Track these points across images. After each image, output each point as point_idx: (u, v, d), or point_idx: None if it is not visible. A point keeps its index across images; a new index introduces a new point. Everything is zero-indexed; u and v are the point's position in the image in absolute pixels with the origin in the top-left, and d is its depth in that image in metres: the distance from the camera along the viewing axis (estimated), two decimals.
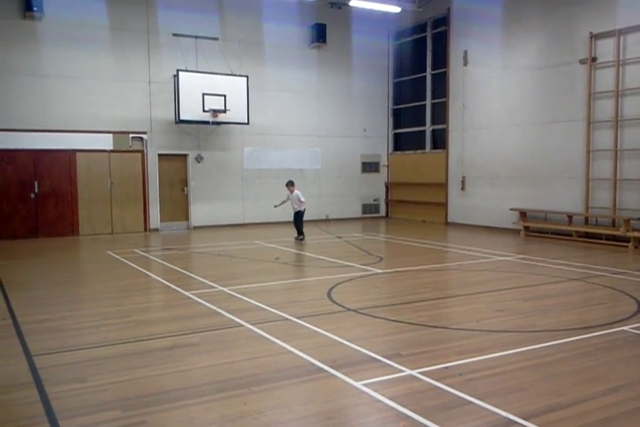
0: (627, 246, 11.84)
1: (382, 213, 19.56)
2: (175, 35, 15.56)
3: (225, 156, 16.59)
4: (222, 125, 16.09)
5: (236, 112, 15.63)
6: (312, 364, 4.85)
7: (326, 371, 4.67)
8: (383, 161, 19.42)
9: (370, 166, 19.18)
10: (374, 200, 19.39)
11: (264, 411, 3.94)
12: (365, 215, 19.09)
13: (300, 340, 5.54)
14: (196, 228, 16.15)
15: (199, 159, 16.15)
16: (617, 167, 12.55)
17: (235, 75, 15.87)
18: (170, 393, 4.26)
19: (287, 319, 6.31)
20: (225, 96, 15.40)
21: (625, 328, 5.87)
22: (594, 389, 4.31)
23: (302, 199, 13.09)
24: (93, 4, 14.51)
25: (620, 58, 12.41)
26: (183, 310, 6.84)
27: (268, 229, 15.90)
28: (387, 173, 19.47)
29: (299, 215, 13.14)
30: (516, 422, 3.71)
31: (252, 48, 16.75)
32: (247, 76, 15.93)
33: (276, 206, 13.44)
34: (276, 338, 5.56)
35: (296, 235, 13.19)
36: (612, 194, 12.64)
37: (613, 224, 12.60)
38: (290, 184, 13.28)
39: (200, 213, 16.30)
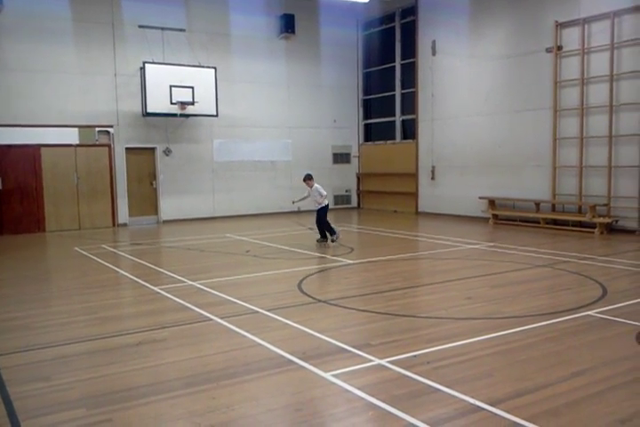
0: (593, 232, 12.05)
1: (354, 203, 19.58)
2: (141, 26, 15.27)
3: (194, 148, 16.38)
4: (191, 118, 15.88)
5: (205, 104, 15.43)
6: (282, 356, 4.83)
7: (296, 363, 4.66)
8: (354, 152, 19.42)
9: (341, 157, 19.16)
10: (346, 191, 19.40)
11: (233, 405, 3.91)
12: (337, 206, 19.07)
13: (270, 332, 5.52)
14: (165, 222, 15.96)
15: (167, 152, 15.93)
16: (582, 154, 12.74)
17: (202, 66, 15.65)
18: (137, 390, 4.21)
19: (257, 312, 6.28)
20: (193, 88, 15.19)
21: (590, 313, 5.98)
22: (560, 373, 4.37)
23: (324, 193, 11.41)
24: None
25: (585, 46, 12.55)
26: (152, 306, 6.76)
27: (239, 222, 15.81)
28: (358, 164, 19.49)
29: (322, 212, 11.42)
30: (483, 409, 3.75)
31: (219, 39, 16.53)
32: (215, 68, 15.72)
33: (294, 202, 12.15)
34: (246, 331, 5.53)
35: (319, 237, 11.43)
36: (577, 181, 12.84)
37: (580, 211, 12.81)
38: (308, 178, 11.48)
39: (169, 206, 16.10)
